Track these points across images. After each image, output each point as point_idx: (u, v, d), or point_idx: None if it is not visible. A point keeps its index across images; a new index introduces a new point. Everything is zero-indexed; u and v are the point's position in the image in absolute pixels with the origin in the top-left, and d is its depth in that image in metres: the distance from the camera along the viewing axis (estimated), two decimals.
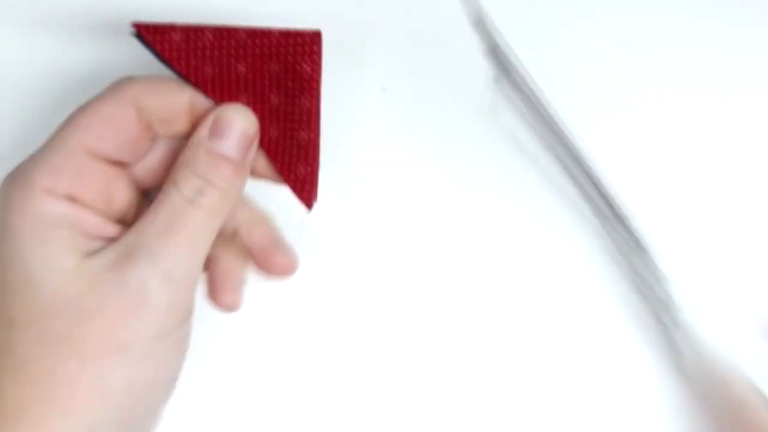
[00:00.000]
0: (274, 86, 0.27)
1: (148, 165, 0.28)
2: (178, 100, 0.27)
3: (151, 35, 0.26)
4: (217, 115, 0.26)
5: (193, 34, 0.26)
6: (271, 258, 0.29)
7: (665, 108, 0.34)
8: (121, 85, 0.26)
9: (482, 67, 0.30)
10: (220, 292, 0.29)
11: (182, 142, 0.27)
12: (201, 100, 0.27)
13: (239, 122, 0.26)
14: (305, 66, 0.27)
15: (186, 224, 0.25)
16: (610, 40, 0.34)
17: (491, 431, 0.33)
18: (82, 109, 0.26)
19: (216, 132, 0.26)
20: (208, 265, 0.29)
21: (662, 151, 0.34)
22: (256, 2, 0.33)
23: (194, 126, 0.27)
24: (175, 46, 0.26)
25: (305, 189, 0.28)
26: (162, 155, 0.28)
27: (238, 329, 0.32)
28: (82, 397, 0.23)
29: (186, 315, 0.25)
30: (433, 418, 0.33)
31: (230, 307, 0.29)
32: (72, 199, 0.25)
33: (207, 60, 0.27)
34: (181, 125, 0.27)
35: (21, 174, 0.25)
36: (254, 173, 0.28)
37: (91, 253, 0.24)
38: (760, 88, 0.34)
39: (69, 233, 0.24)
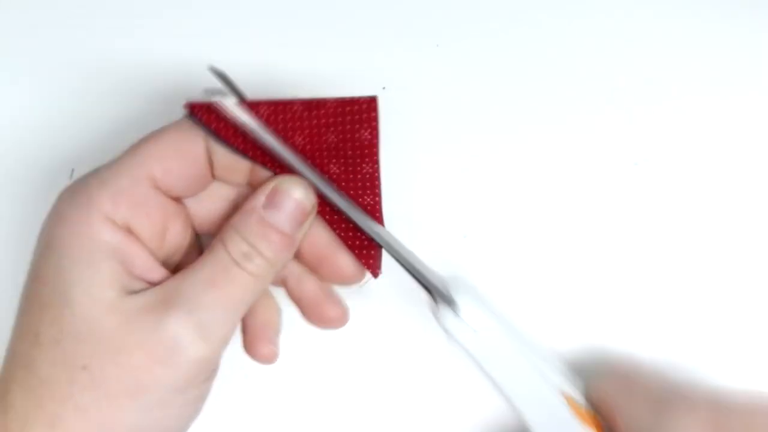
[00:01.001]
0: (333, 156, 0.27)
1: (203, 205, 0.28)
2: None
3: (204, 114, 0.25)
4: (276, 185, 0.26)
5: (249, 108, 0.26)
6: (322, 310, 0.29)
7: (665, 108, 0.34)
8: (186, 118, 0.26)
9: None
10: (257, 343, 0.29)
11: (240, 189, 0.28)
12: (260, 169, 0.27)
13: (297, 194, 0.26)
14: (364, 133, 0.27)
15: (229, 284, 0.24)
16: (610, 39, 0.34)
17: None
18: (151, 138, 0.26)
19: (272, 201, 0.25)
20: (247, 317, 0.29)
21: (662, 151, 0.34)
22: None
23: (253, 180, 0.27)
24: (230, 123, 0.25)
25: (371, 256, 0.28)
26: (218, 197, 0.28)
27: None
28: (87, 429, 0.23)
29: (211, 373, 0.25)
30: None
31: (267, 359, 0.29)
32: (128, 230, 0.25)
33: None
34: (240, 177, 0.27)
35: (82, 192, 0.25)
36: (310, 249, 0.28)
37: (133, 292, 0.24)
38: (759, 88, 0.34)
39: (117, 267, 0.24)
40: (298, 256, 0.28)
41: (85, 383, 0.23)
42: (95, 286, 0.24)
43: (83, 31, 0.34)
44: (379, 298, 0.33)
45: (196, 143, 0.26)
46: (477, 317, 0.29)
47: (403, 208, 0.33)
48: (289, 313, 0.33)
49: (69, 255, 0.24)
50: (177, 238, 0.27)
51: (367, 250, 0.28)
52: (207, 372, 0.25)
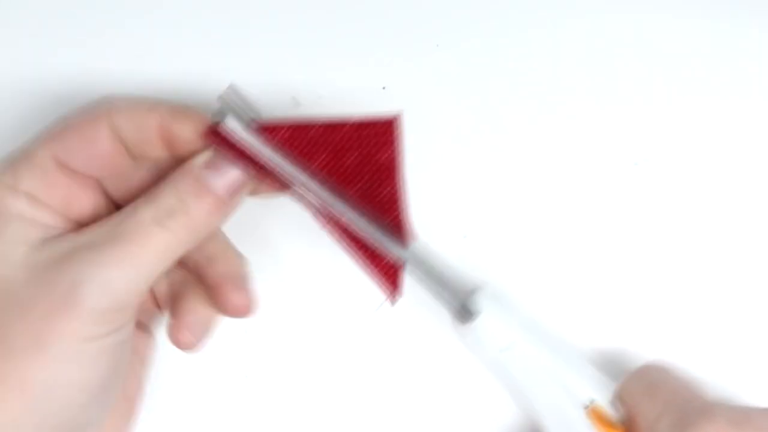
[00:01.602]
0: (352, 179, 0.27)
1: (126, 185, 0.28)
2: (148, 122, 0.26)
3: (221, 141, 0.25)
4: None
5: (269, 132, 0.26)
6: (227, 294, 0.27)
7: (665, 108, 0.34)
8: (98, 104, 0.26)
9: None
10: (226, 294, 0.28)
11: (166, 171, 0.27)
12: (176, 128, 0.26)
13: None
14: (382, 156, 0.27)
15: (142, 240, 0.24)
16: (610, 40, 0.34)
17: None
18: (56, 122, 0.26)
19: (212, 165, 0.25)
20: (173, 300, 0.29)
21: (662, 151, 0.34)
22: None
23: (172, 156, 0.26)
24: (245, 150, 0.26)
25: (390, 280, 0.27)
26: (143, 178, 0.28)
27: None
28: (3, 390, 0.23)
29: (119, 325, 0.24)
30: None
31: (241, 310, 0.28)
32: (33, 199, 0.25)
33: (289, 156, 0.26)
34: (154, 149, 0.26)
35: None
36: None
37: (45, 242, 0.24)
38: (760, 88, 0.34)
39: (23, 225, 0.25)
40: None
41: None
42: (2, 247, 0.24)
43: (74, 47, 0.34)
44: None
45: (97, 124, 0.26)
46: (499, 332, 0.29)
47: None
48: (290, 314, 0.33)
49: None
50: (87, 210, 0.27)
51: (387, 274, 0.27)
52: (114, 323, 0.24)
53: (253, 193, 0.28)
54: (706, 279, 0.33)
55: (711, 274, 0.33)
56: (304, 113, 0.33)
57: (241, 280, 0.28)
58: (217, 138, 0.25)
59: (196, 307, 0.28)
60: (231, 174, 0.25)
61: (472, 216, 0.33)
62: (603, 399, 0.29)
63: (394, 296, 0.27)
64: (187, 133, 0.26)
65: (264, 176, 0.26)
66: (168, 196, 0.25)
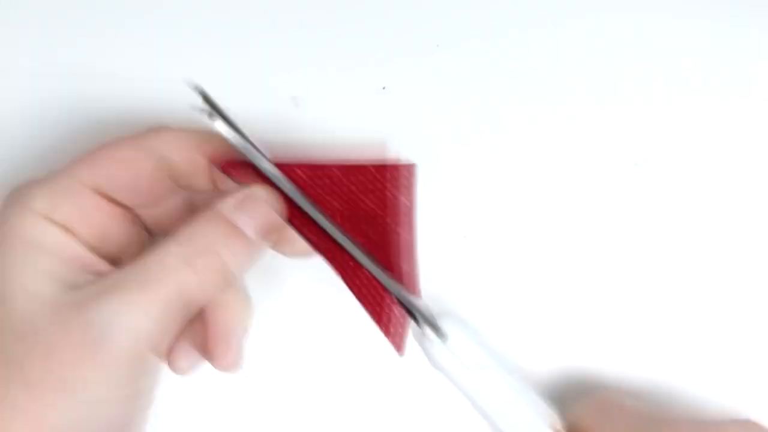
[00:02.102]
0: (371, 222, 0.26)
1: (159, 212, 0.27)
2: (200, 157, 0.26)
3: (242, 177, 0.25)
4: (251, 193, 0.25)
5: (284, 171, 0.25)
6: (216, 351, 0.25)
7: (665, 108, 0.34)
8: (146, 133, 0.26)
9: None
10: (214, 346, 0.26)
11: (199, 197, 0.27)
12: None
13: (270, 205, 0.25)
14: (403, 199, 0.26)
15: (171, 282, 0.23)
16: (610, 40, 0.34)
17: None
18: (98, 147, 0.26)
19: (242, 206, 0.25)
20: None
21: (662, 151, 0.34)
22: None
23: (215, 187, 0.26)
24: (262, 179, 0.25)
25: (398, 333, 0.26)
26: (177, 206, 0.27)
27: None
28: (25, 428, 0.22)
29: (146, 369, 0.24)
30: None
31: (223, 366, 0.26)
32: (67, 230, 0.24)
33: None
34: (202, 181, 0.26)
35: (22, 192, 0.25)
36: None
37: (73, 286, 0.24)
38: (760, 88, 0.34)
39: (54, 261, 0.24)
40: None
41: (19, 382, 0.23)
42: (32, 282, 0.23)
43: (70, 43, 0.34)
44: None
45: (143, 155, 0.26)
46: (470, 354, 0.28)
47: None
48: (290, 314, 0.33)
49: (6, 253, 0.24)
50: (121, 239, 0.26)
51: (394, 326, 0.26)
52: (140, 369, 0.24)
53: (274, 247, 0.27)
54: (705, 279, 0.33)
55: (711, 274, 0.33)
56: (305, 113, 0.33)
57: (235, 337, 0.26)
58: (242, 173, 0.25)
59: (234, 320, 0.26)
60: (263, 216, 0.25)
61: (472, 216, 0.33)
62: (557, 425, 0.29)
63: (399, 350, 0.27)
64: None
65: (291, 216, 0.26)
66: (198, 238, 0.24)
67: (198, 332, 0.26)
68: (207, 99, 0.24)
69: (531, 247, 0.33)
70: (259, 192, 0.25)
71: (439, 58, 0.34)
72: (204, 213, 0.25)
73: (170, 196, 0.27)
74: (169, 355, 0.26)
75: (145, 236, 0.28)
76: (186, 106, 0.24)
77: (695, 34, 0.34)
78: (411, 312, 0.27)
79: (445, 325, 0.28)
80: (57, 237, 0.24)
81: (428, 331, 0.28)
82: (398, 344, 0.26)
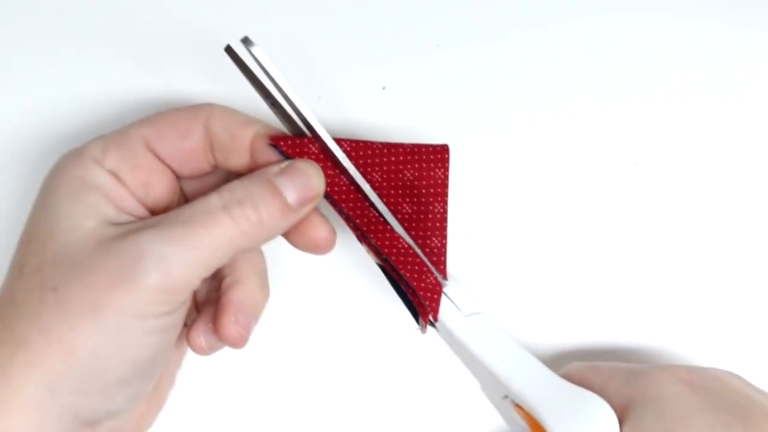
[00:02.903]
0: (407, 194, 0.28)
1: (199, 186, 0.29)
2: (243, 134, 0.27)
3: (289, 148, 0.27)
4: (295, 162, 0.27)
5: (329, 143, 0.27)
6: (223, 320, 0.27)
7: (665, 108, 0.34)
8: (201, 104, 0.28)
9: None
10: (223, 318, 0.27)
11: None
12: (264, 146, 0.27)
13: (312, 177, 0.26)
14: (439, 172, 0.28)
15: (207, 224, 0.24)
16: (610, 40, 0.34)
17: None
18: (158, 111, 0.28)
19: (286, 173, 0.26)
20: (201, 306, 0.29)
21: (662, 151, 0.34)
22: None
23: (252, 169, 0.27)
24: (312, 157, 0.27)
25: (434, 299, 0.28)
26: (217, 184, 0.28)
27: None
28: (50, 349, 0.23)
29: (172, 307, 0.25)
30: None
31: (230, 340, 0.27)
32: (114, 175, 0.26)
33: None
34: (239, 159, 0.28)
35: (80, 145, 0.27)
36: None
37: (116, 223, 0.25)
38: (760, 88, 0.34)
39: (101, 199, 0.25)
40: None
41: (51, 304, 0.23)
42: (77, 215, 0.25)
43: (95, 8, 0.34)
44: (387, 301, 0.33)
45: (194, 120, 0.27)
46: (466, 300, 0.29)
47: None
48: (290, 314, 0.33)
49: (56, 193, 0.25)
50: (162, 196, 0.28)
51: (431, 293, 0.28)
52: (168, 305, 0.24)
53: (293, 242, 0.28)
54: (705, 278, 0.33)
55: (710, 274, 0.33)
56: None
57: (244, 313, 0.27)
58: (293, 148, 0.27)
59: (250, 299, 0.28)
60: (303, 185, 0.26)
61: (472, 216, 0.33)
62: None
63: (435, 316, 0.28)
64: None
65: (331, 190, 0.27)
66: (240, 190, 0.25)
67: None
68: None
69: (531, 247, 0.33)
70: (304, 164, 0.27)
71: (439, 58, 0.34)
72: (249, 174, 0.26)
73: (212, 172, 0.29)
74: (189, 332, 0.28)
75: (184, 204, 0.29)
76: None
77: (695, 33, 0.34)
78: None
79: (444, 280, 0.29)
80: (105, 179, 0.26)
81: None
82: (434, 309, 0.28)
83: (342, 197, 0.27)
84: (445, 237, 0.28)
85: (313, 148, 0.27)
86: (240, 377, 0.33)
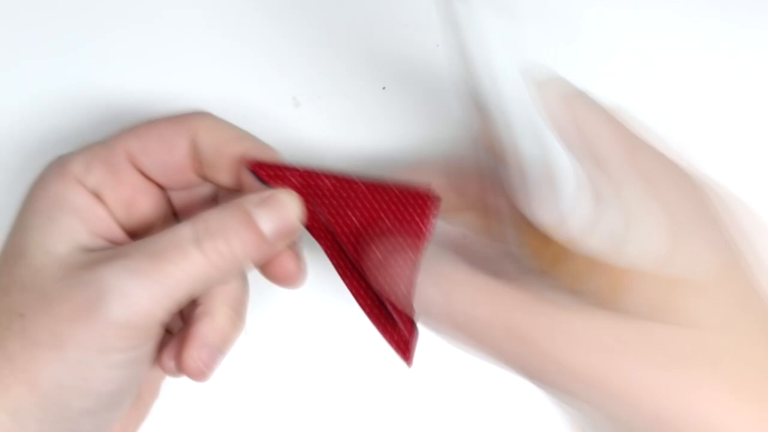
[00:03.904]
0: (382, 239, 0.26)
1: (189, 199, 0.28)
2: (230, 151, 0.26)
3: (269, 178, 0.26)
4: (275, 194, 0.25)
5: (312, 180, 0.26)
6: (182, 351, 0.26)
7: (664, 108, 0.34)
8: (188, 114, 0.27)
9: None
10: (185, 348, 0.26)
11: (226, 194, 0.27)
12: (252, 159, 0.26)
13: (292, 211, 0.25)
14: (422, 226, 0.26)
15: (174, 258, 0.23)
16: (610, 39, 0.34)
17: None
18: (142, 123, 0.27)
19: (264, 203, 0.25)
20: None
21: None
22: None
23: (241, 187, 0.27)
24: (292, 189, 0.26)
25: (406, 350, 0.26)
26: (206, 196, 0.28)
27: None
28: (14, 378, 0.23)
29: (138, 342, 0.24)
30: None
31: (187, 371, 0.26)
32: (96, 195, 0.25)
33: (323, 207, 0.26)
34: (225, 177, 0.27)
35: (63, 157, 0.26)
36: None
37: (89, 249, 0.24)
38: (759, 88, 0.34)
39: (76, 223, 0.25)
40: None
41: (16, 331, 0.23)
42: (49, 239, 0.24)
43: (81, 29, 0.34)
44: None
45: (180, 133, 0.26)
46: None
47: None
48: (290, 314, 0.33)
49: (33, 210, 0.25)
50: (146, 214, 0.27)
51: (404, 341, 0.26)
52: (132, 340, 0.24)
53: (261, 271, 0.27)
54: None
55: None
56: (305, 113, 0.33)
57: (209, 349, 0.26)
58: (268, 173, 0.26)
59: (217, 332, 0.27)
60: (281, 218, 0.25)
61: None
62: None
63: (409, 360, 0.26)
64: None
65: (310, 222, 0.26)
66: (212, 220, 0.24)
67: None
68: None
69: None
70: (285, 195, 0.26)
71: (439, 58, 0.34)
72: (224, 204, 0.25)
73: (201, 184, 0.28)
74: (160, 354, 0.27)
75: (172, 221, 0.28)
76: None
77: (695, 33, 0.34)
78: None
79: None
80: (85, 200, 0.25)
81: None
82: (406, 359, 0.26)
83: (320, 234, 0.26)
84: (413, 285, 0.26)
85: (294, 181, 0.26)
86: (240, 377, 0.33)
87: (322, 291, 0.33)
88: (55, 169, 0.26)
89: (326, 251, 0.27)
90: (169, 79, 0.33)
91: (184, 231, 0.24)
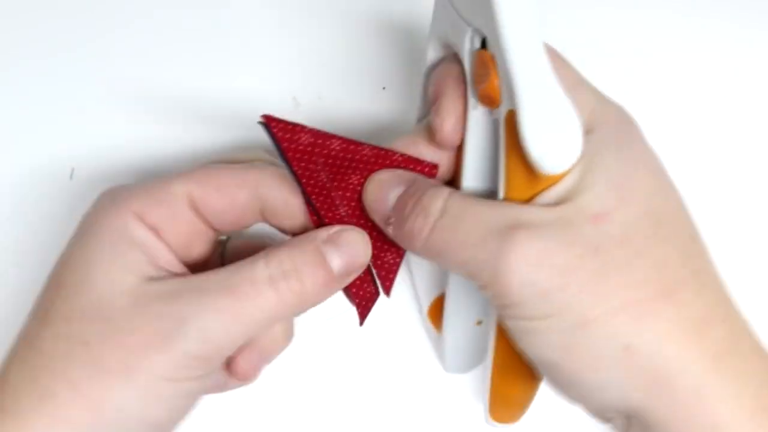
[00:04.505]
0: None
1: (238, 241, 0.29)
2: (296, 200, 0.27)
3: (281, 131, 0.26)
4: (344, 231, 0.26)
5: (320, 139, 0.26)
6: (242, 361, 0.27)
7: (664, 108, 0.34)
8: (250, 166, 0.27)
9: None
10: (238, 355, 0.27)
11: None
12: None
13: (359, 248, 0.26)
14: None
15: (251, 296, 0.24)
16: (610, 39, 0.34)
17: None
18: (202, 166, 0.27)
19: (333, 241, 0.26)
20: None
21: (661, 150, 0.34)
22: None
23: (302, 230, 0.27)
24: (300, 147, 0.26)
25: (366, 307, 0.28)
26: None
27: None
28: (76, 404, 0.23)
29: (204, 373, 0.25)
30: None
31: (238, 375, 0.28)
32: (155, 231, 0.26)
33: (326, 167, 0.27)
34: (292, 222, 0.27)
35: (121, 191, 0.26)
36: None
37: (155, 280, 0.25)
38: (759, 88, 0.34)
39: (141, 256, 0.25)
40: None
41: (81, 358, 0.23)
42: (116, 270, 0.24)
43: (87, 30, 0.34)
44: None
45: (241, 185, 0.27)
46: None
47: None
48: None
49: (96, 242, 0.25)
50: (202, 253, 0.27)
51: (365, 301, 0.28)
52: (200, 370, 0.24)
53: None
54: None
55: None
56: (305, 113, 0.33)
57: (261, 357, 0.27)
58: (283, 133, 0.26)
59: (269, 343, 0.28)
60: (350, 255, 0.26)
61: None
62: None
63: (360, 322, 0.28)
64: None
65: (307, 182, 0.26)
66: (287, 261, 0.25)
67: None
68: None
69: None
70: (353, 234, 0.26)
71: None
72: (295, 239, 0.26)
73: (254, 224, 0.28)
74: (232, 359, 0.27)
75: (221, 261, 0.29)
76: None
77: (696, 34, 0.34)
78: None
79: None
80: (146, 236, 0.25)
81: None
82: (362, 316, 0.28)
83: (315, 191, 0.27)
84: (401, 256, 0.28)
85: (303, 138, 0.26)
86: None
87: None
88: (111, 202, 0.26)
89: (318, 209, 0.27)
90: (169, 80, 0.33)
91: (259, 269, 0.25)
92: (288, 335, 0.28)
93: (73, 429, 0.23)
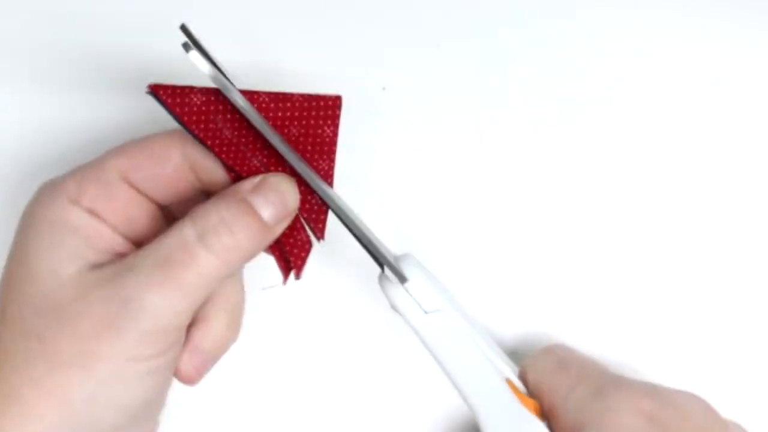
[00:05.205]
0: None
1: (186, 210, 0.27)
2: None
3: (169, 97, 0.25)
4: (267, 177, 0.26)
5: (213, 96, 0.26)
6: (183, 356, 0.26)
7: (664, 108, 0.34)
8: (175, 128, 0.27)
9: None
10: (181, 355, 0.27)
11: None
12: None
13: (286, 191, 0.26)
14: (327, 130, 0.27)
15: (185, 263, 0.24)
16: (610, 39, 0.34)
17: None
18: (130, 140, 0.27)
19: (259, 190, 0.25)
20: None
21: (662, 150, 0.34)
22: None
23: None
24: (194, 109, 0.26)
25: (300, 256, 0.27)
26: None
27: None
28: (43, 401, 0.23)
29: (164, 348, 0.24)
30: None
31: (181, 377, 0.27)
32: (93, 213, 0.25)
33: (227, 123, 0.26)
34: (226, 184, 0.27)
35: (55, 180, 0.26)
36: None
37: (97, 266, 0.25)
38: (759, 88, 0.34)
39: (80, 242, 0.25)
40: None
41: (38, 354, 0.23)
42: (58, 260, 0.24)
43: (77, 30, 0.34)
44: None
45: (172, 149, 0.26)
46: (428, 297, 0.28)
47: (403, 207, 0.33)
48: (289, 313, 0.33)
49: (34, 235, 0.25)
50: (146, 226, 0.27)
51: (298, 249, 0.27)
52: (159, 346, 0.24)
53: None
54: (703, 278, 0.33)
55: (708, 274, 0.33)
56: None
57: (202, 356, 0.27)
58: (173, 99, 0.25)
59: (213, 340, 0.27)
60: (278, 202, 0.25)
61: (472, 215, 0.33)
62: (515, 379, 0.29)
63: (297, 273, 0.27)
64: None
65: (212, 143, 0.26)
66: (213, 214, 0.24)
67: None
68: (187, 32, 0.25)
69: (530, 247, 0.33)
70: (277, 179, 0.26)
71: (439, 58, 0.34)
72: (219, 194, 0.25)
73: (198, 195, 0.28)
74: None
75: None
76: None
77: (695, 34, 0.34)
78: (374, 255, 0.27)
79: (406, 267, 0.28)
80: (83, 220, 0.25)
81: (389, 272, 0.28)
82: (298, 267, 0.27)
83: (223, 149, 0.26)
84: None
85: (195, 99, 0.26)
86: (240, 377, 0.33)
87: (322, 290, 0.33)
88: (47, 193, 0.26)
89: (232, 165, 0.26)
90: (168, 80, 0.33)
91: (186, 230, 0.24)
92: (230, 329, 0.27)
93: (45, 425, 0.23)
